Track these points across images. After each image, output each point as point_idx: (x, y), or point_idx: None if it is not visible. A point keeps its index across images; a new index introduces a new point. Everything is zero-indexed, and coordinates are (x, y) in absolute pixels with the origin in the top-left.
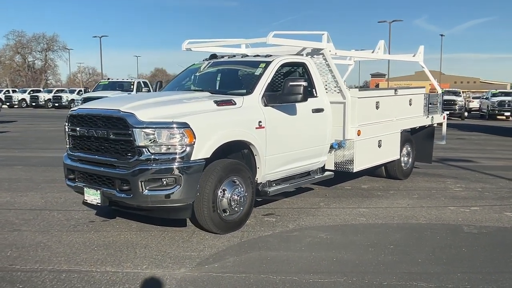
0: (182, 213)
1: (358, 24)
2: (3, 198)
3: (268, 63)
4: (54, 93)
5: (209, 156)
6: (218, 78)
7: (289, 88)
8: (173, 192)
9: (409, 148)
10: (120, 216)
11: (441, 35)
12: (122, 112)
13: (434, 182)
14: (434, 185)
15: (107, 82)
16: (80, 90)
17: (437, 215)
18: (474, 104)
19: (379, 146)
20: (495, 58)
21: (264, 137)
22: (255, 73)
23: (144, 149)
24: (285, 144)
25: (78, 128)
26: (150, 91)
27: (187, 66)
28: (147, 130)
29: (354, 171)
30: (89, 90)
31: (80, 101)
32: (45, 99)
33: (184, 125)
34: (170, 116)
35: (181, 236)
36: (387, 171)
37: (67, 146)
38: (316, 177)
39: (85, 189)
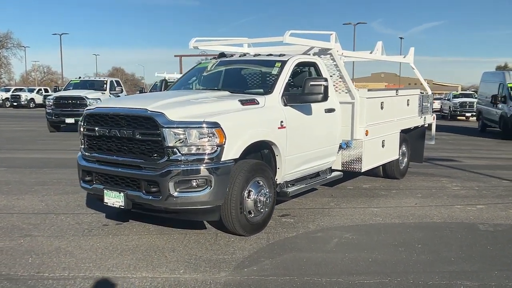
0: (211, 215)
1: (320, 25)
2: (0, 201)
3: (284, 62)
4: (13, 92)
5: (238, 157)
6: (233, 77)
7: (310, 87)
8: (203, 194)
9: (404, 148)
10: (132, 219)
11: (400, 38)
12: (150, 111)
13: (430, 182)
14: (432, 184)
15: (78, 81)
16: (40, 89)
17: (448, 214)
18: (435, 105)
19: (383, 146)
20: (446, 61)
21: (285, 137)
22: (272, 72)
23: (174, 150)
24: (303, 144)
25: (97, 128)
26: (123, 91)
27: (194, 65)
28: (177, 130)
29: (362, 170)
30: (60, 89)
31: (52, 100)
32: (2, 98)
33: (215, 125)
34: (200, 116)
35: (205, 239)
36: (384, 171)
37: (82, 146)
38: (328, 177)
39: (105, 191)
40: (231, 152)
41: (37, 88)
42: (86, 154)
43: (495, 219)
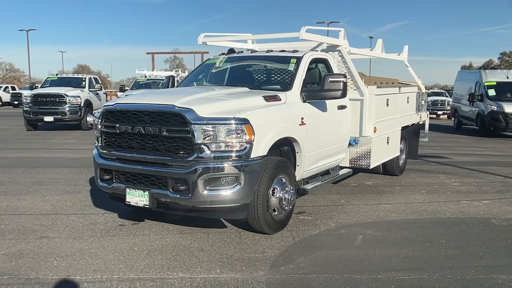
0: (239, 213)
1: (288, 24)
2: (1, 202)
3: (299, 59)
4: None
5: (265, 154)
6: (248, 74)
7: (330, 84)
8: (233, 192)
9: (403, 145)
10: (147, 218)
11: (370, 37)
12: (178, 107)
13: (429, 178)
14: (431, 181)
15: (55, 78)
16: (7, 87)
17: (458, 209)
18: None
19: (387, 143)
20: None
21: (305, 133)
22: (289, 69)
23: (203, 147)
24: (320, 141)
25: (118, 125)
26: (102, 88)
27: (203, 61)
28: (207, 127)
29: (371, 167)
30: (36, 86)
31: (29, 98)
32: None
33: (245, 121)
34: (228, 112)
35: (230, 238)
36: (384, 168)
37: (99, 144)
38: (340, 173)
39: (127, 190)
40: (260, 149)
41: (4, 86)
42: (105, 152)
43: (505, 214)
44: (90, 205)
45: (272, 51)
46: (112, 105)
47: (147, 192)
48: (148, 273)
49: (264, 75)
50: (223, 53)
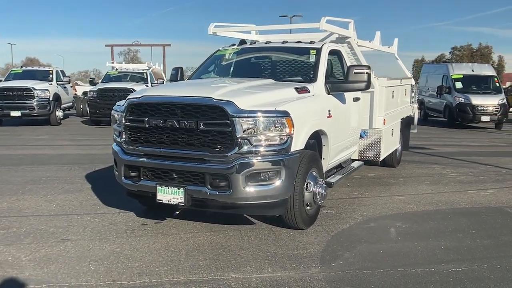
0: (278, 209)
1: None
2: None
3: (318, 50)
4: None
5: (303, 147)
6: (268, 65)
7: (354, 75)
8: (274, 187)
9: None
10: (168, 216)
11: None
12: (216, 99)
13: (425, 169)
14: (429, 171)
15: (20, 71)
16: None
17: (470, 199)
18: None
19: (392, 134)
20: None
21: (331, 126)
22: (310, 60)
23: (244, 141)
24: (341, 133)
25: (146, 119)
26: (70, 81)
27: (213, 53)
28: (248, 120)
29: (380, 159)
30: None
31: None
32: None
33: (285, 114)
34: (268, 104)
35: (263, 234)
36: (383, 159)
37: (123, 139)
38: (356, 166)
39: (158, 187)
40: (298, 142)
41: None
42: (130, 147)
43: None
44: (99, 203)
45: (287, 42)
46: (138, 97)
47: (182, 189)
48: (197, 275)
49: (285, 67)
50: (232, 44)
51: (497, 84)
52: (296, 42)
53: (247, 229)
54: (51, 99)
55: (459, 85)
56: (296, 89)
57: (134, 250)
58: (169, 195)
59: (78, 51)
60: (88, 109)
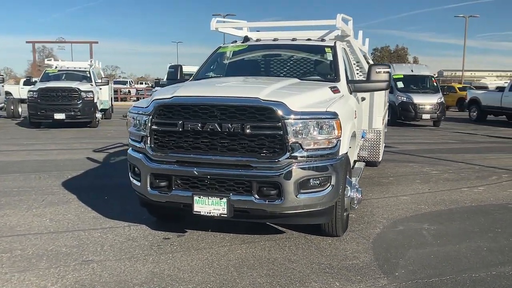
0: (325, 217)
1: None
2: None
3: (333, 48)
4: None
5: (347, 151)
6: (284, 64)
7: (375, 75)
8: (325, 194)
9: None
10: (186, 228)
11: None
12: (264, 100)
13: (405, 167)
14: (411, 170)
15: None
16: None
17: (470, 197)
18: None
19: (383, 134)
20: None
21: (356, 127)
22: (327, 58)
23: (296, 145)
24: (358, 134)
25: (180, 122)
26: (3, 80)
27: (214, 50)
28: (300, 122)
29: (379, 160)
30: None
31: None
32: None
33: (335, 115)
34: (315, 105)
35: (302, 244)
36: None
37: (148, 145)
38: (361, 167)
39: (195, 198)
40: (344, 145)
41: None
42: (159, 154)
43: (510, 199)
44: (99, 216)
45: (296, 39)
46: (168, 98)
47: (224, 199)
48: None
49: (301, 65)
50: (234, 41)
51: (435, 84)
52: (307, 40)
53: (281, 239)
54: None
55: (400, 84)
56: (331, 88)
57: (176, 270)
58: (209, 206)
59: None
60: (28, 110)
